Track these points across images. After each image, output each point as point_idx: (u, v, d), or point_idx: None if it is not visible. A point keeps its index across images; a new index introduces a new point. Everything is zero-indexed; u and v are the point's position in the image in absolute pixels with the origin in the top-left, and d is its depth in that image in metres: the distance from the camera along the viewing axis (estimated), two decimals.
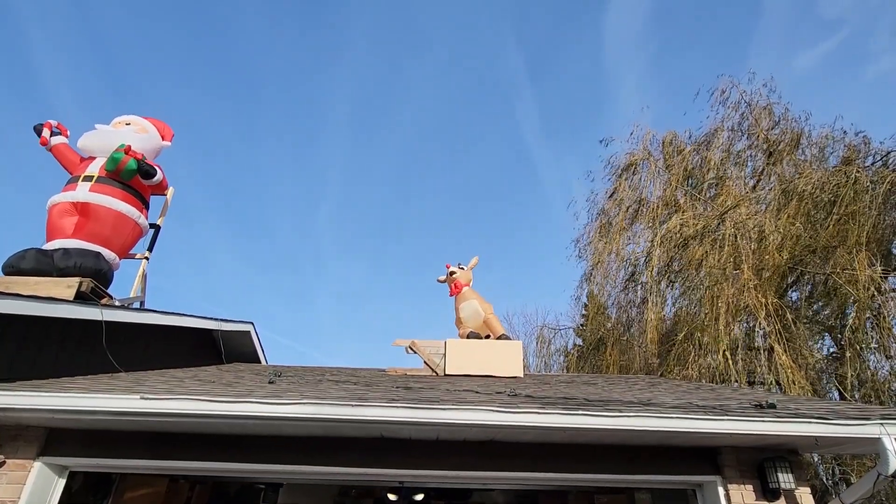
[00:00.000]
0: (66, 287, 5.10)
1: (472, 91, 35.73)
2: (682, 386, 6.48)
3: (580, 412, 3.67)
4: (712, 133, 13.42)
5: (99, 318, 4.34)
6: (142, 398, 3.34)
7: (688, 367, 10.64)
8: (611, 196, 14.04)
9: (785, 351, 10.32)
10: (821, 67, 23.06)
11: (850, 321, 9.82)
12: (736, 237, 10.93)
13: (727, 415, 3.82)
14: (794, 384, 9.86)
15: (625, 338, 13.46)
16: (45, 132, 6.35)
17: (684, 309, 11.64)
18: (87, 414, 3.43)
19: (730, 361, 10.47)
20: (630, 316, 13.46)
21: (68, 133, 6.56)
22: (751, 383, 10.79)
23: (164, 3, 30.15)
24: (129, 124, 6.67)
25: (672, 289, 12.25)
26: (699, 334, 10.77)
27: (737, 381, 10.73)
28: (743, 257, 10.73)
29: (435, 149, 37.26)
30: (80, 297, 5.07)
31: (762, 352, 10.43)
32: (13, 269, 5.26)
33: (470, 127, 36.30)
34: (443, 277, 7.71)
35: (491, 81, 34.67)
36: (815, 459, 10.67)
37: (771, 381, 10.02)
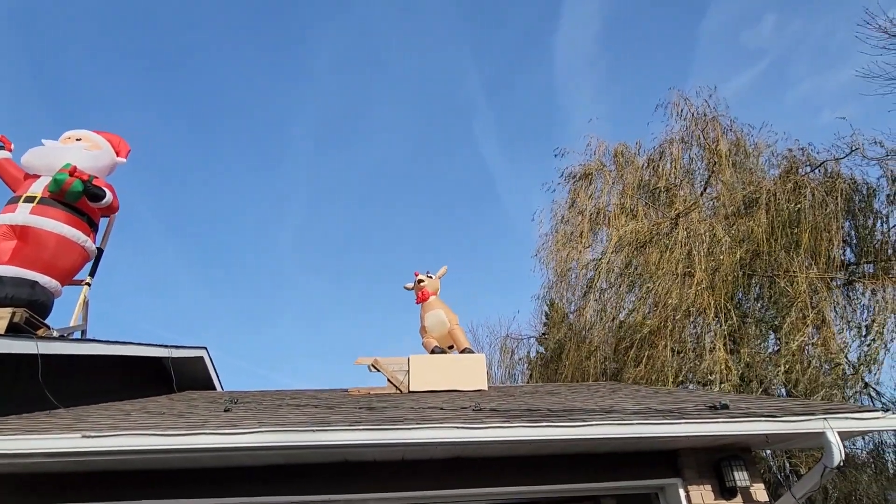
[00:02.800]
0: None
1: (432, 109, 36.15)
2: (641, 391, 6.64)
3: (544, 424, 3.69)
4: (663, 144, 14.08)
5: (34, 351, 4.05)
6: (83, 436, 3.12)
7: (643, 370, 10.96)
8: (570, 206, 14.42)
9: (732, 351, 10.80)
10: (749, 91, 24.82)
11: (789, 320, 10.39)
12: (688, 241, 11.42)
13: (684, 418, 3.94)
14: (744, 383, 10.33)
15: (584, 344, 13.76)
16: None
17: (640, 312, 12.02)
18: (22, 457, 3.17)
19: (682, 362, 10.87)
20: (589, 322, 13.77)
21: (12, 147, 6.17)
22: (703, 383, 11.22)
23: (114, 21, 29.01)
24: (80, 140, 6.33)
25: (628, 292, 12.63)
26: (653, 336, 11.14)
27: (689, 382, 11.14)
28: (696, 261, 11.21)
29: (397, 167, 37.31)
30: (14, 329, 4.73)
31: (713, 351, 10.87)
32: None
33: (431, 144, 36.66)
34: (410, 285, 7.67)
35: (450, 101, 35.22)
36: (767, 454, 11.16)
37: (722, 380, 10.45)
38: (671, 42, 30.62)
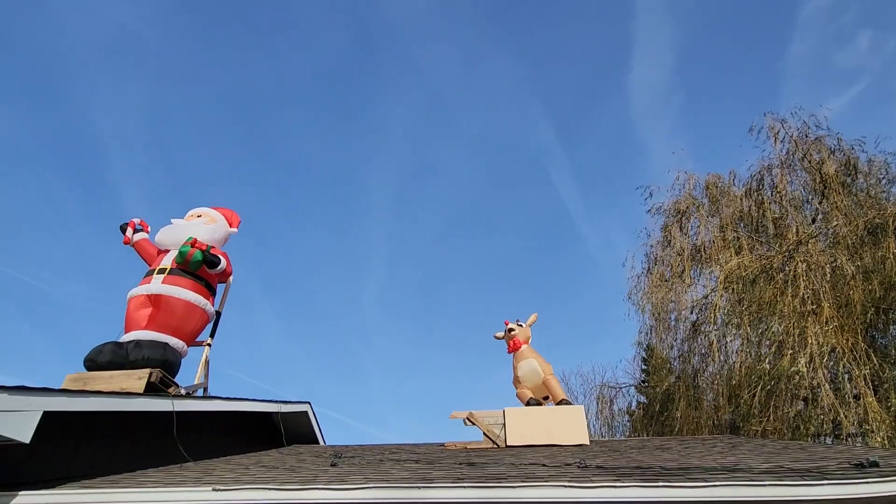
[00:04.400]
0: (138, 379, 5.34)
1: (505, 161, 36.75)
2: (767, 445, 5.94)
3: (660, 483, 3.42)
4: (761, 171, 13.17)
5: (169, 408, 4.49)
6: (213, 489, 3.37)
7: (767, 421, 9.80)
8: (664, 245, 13.74)
9: (875, 397, 9.38)
10: (850, 112, 22.79)
11: None
12: (808, 275, 10.32)
13: (826, 478, 3.47)
14: (888, 434, 8.87)
15: (691, 392, 12.66)
16: (129, 231, 6.95)
17: (757, 355, 10.88)
18: None
19: (816, 412, 9.59)
20: (696, 368, 12.69)
21: (149, 228, 7.13)
22: (837, 435, 9.78)
23: (217, 108, 33.39)
24: (200, 216, 7.22)
25: (742, 334, 11.52)
26: (777, 382, 9.99)
27: (824, 434, 9.76)
28: (821, 296, 10.06)
29: (474, 217, 37.94)
30: (150, 388, 5.29)
31: (850, 399, 9.52)
32: (93, 363, 5.58)
33: (507, 195, 37.00)
34: (501, 334, 7.58)
35: (523, 150, 35.68)
36: None
37: (862, 432, 9.07)
38: (754, 69, 29.24)
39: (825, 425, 9.61)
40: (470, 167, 36.68)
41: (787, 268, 10.77)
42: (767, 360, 10.37)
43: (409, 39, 34.21)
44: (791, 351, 9.94)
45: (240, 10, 32.36)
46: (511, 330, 7.40)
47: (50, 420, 3.36)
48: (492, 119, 34.99)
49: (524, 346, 7.30)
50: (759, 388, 10.22)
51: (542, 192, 36.14)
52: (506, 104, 34.23)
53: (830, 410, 9.53)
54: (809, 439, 9.35)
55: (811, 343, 9.75)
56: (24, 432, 3.11)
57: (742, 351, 11.32)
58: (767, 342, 10.60)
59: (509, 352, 7.39)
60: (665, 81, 30.51)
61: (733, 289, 11.45)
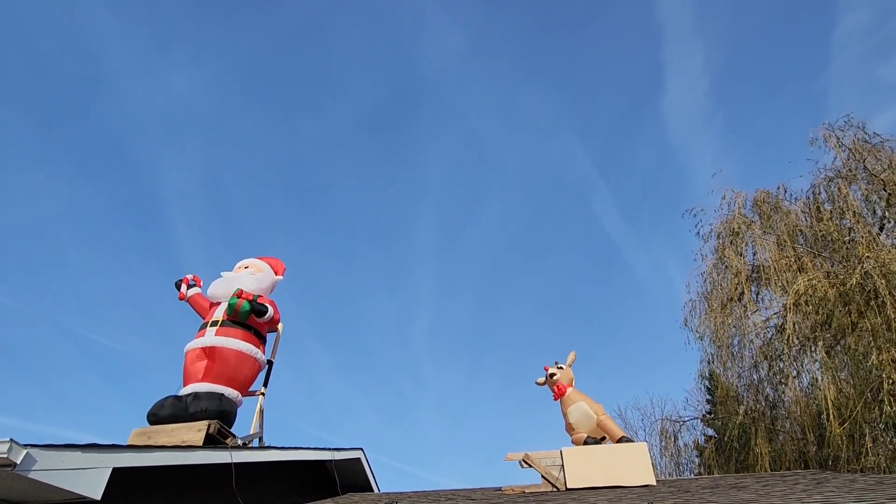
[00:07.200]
0: (197, 431, 5.45)
1: (547, 195, 36.70)
2: (858, 482, 5.40)
3: None
4: (816, 184, 12.57)
5: (228, 460, 4.56)
6: None
7: (865, 456, 8.89)
8: (718, 267, 13.13)
9: None
10: None
11: None
12: (893, 293, 9.51)
13: None
14: None
15: (763, 423, 11.74)
16: (183, 287, 7.27)
17: (843, 382, 9.98)
18: None
19: None
20: (769, 397, 11.81)
21: (201, 283, 7.45)
22: None
23: (267, 165, 35.38)
24: (247, 267, 7.50)
25: (821, 361, 10.62)
26: (865, 411, 9.12)
27: None
28: None
29: (520, 255, 37.80)
30: (209, 440, 5.39)
31: None
32: (155, 417, 5.77)
33: (551, 228, 36.78)
34: (542, 380, 7.27)
35: (562, 183, 35.60)
36: None
37: None
38: (793, 87, 28.50)
39: None
40: (512, 203, 36.79)
41: (864, 285, 9.94)
42: (845, 388, 9.51)
43: (445, 84, 35.32)
44: (890, 382, 9.05)
45: (283, 73, 34.59)
46: (552, 375, 7.07)
47: (118, 475, 3.48)
48: (531, 154, 35.28)
49: (569, 390, 6.98)
50: (845, 418, 9.35)
51: (586, 222, 35.70)
52: (543, 138, 34.50)
53: None
54: None
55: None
56: (95, 490, 3.21)
57: (818, 377, 10.43)
58: (848, 368, 9.73)
59: (555, 399, 7.06)
60: (702, 104, 30.07)
61: (804, 311, 10.67)
